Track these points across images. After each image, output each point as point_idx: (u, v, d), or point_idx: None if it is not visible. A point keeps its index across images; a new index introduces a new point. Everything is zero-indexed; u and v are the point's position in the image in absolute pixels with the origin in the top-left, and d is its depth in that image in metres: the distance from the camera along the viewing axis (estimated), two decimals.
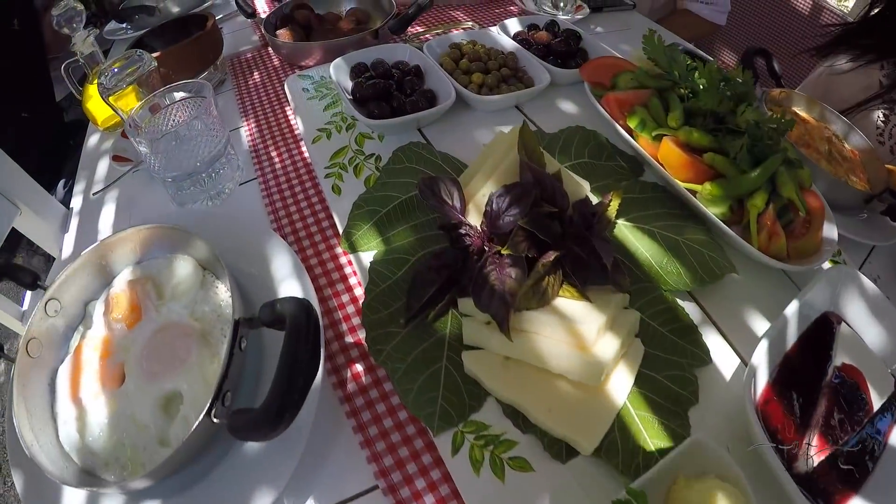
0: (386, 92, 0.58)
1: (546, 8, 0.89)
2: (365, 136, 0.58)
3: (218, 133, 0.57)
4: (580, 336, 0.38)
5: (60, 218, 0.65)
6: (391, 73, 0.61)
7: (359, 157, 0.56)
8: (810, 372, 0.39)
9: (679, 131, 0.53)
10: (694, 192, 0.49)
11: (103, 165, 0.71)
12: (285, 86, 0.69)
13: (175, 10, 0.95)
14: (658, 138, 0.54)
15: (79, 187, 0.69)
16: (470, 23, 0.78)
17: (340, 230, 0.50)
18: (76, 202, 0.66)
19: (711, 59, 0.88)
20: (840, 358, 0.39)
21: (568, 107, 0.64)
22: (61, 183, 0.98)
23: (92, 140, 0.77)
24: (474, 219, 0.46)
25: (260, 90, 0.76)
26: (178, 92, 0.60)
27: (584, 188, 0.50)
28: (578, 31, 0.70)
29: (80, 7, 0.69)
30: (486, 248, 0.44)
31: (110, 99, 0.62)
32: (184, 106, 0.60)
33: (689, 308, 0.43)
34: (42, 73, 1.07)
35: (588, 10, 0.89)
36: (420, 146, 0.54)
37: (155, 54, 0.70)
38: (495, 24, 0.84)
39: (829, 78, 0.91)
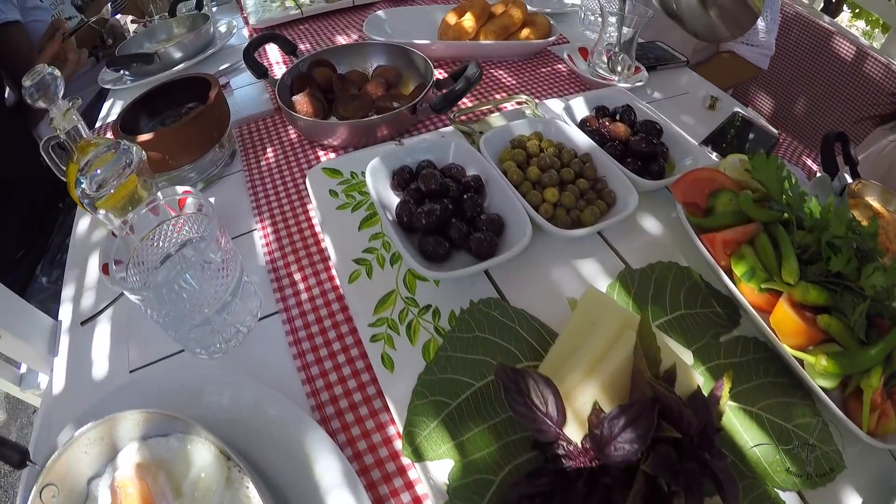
0: (444, 221, 0.47)
1: (600, 70, 0.78)
2: (416, 275, 0.47)
3: (229, 266, 0.46)
4: None
5: (48, 336, 0.54)
6: (446, 188, 0.50)
7: (411, 311, 0.45)
8: None
9: (795, 288, 0.44)
10: (801, 359, 0.43)
11: (94, 264, 0.59)
12: (307, 181, 0.57)
13: (177, 55, 0.81)
14: (766, 289, 0.46)
15: (67, 291, 0.58)
16: (524, 96, 0.66)
17: (395, 419, 0.40)
18: (65, 313, 0.55)
19: (775, 131, 0.80)
20: None
21: (653, 226, 0.54)
22: (45, 260, 0.84)
23: (82, 225, 0.64)
24: (572, 428, 0.36)
25: (275, 175, 0.64)
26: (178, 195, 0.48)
27: (688, 363, 0.42)
28: (659, 123, 0.60)
29: (57, 73, 0.56)
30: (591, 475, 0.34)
31: (97, 206, 0.51)
32: (186, 223, 0.48)
33: (790, 499, 0.38)
34: (24, 124, 0.92)
35: (647, 74, 0.79)
36: (491, 305, 0.44)
37: (147, 136, 0.58)
38: (550, 96, 0.73)
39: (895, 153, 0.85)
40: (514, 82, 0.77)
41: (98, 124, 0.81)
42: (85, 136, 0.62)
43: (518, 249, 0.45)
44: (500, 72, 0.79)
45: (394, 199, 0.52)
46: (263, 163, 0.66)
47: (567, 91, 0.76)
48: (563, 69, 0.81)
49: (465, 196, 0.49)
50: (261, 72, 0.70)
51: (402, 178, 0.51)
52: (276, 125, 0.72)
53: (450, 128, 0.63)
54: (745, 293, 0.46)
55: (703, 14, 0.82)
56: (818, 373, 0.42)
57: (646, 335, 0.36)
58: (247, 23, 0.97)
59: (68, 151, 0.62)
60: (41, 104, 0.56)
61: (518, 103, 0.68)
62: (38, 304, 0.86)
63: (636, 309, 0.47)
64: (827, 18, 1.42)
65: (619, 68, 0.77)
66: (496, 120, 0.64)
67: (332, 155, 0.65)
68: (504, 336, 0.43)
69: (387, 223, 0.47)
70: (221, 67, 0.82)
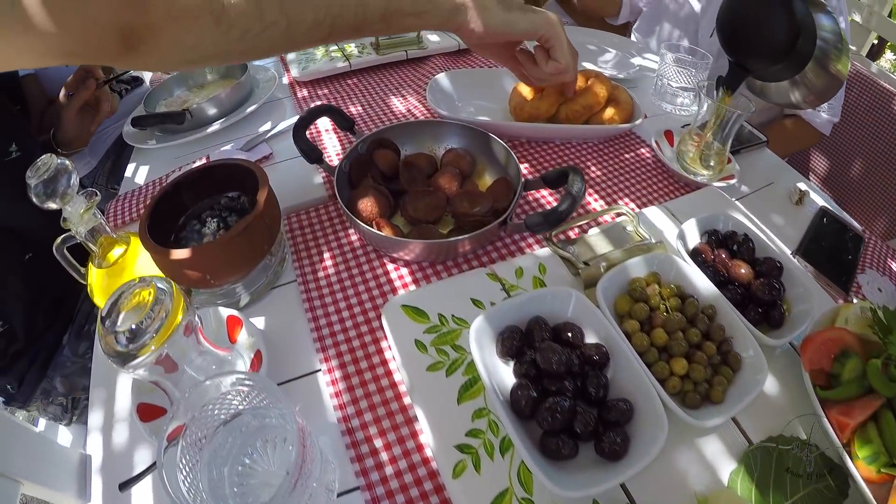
0: (571, 413, 0.40)
1: (688, 163, 0.70)
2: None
3: (308, 465, 0.38)
4: None
5: (76, 476, 0.46)
6: (571, 363, 0.42)
7: None
8: None
9: None
10: None
11: (124, 387, 0.51)
12: (383, 321, 0.49)
13: (211, 112, 0.70)
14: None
15: (95, 419, 0.49)
16: (624, 207, 0.58)
17: None
18: (94, 446, 0.47)
19: (860, 228, 0.75)
20: None
21: (771, 385, 0.48)
22: (72, 330, 0.74)
23: None
24: None
25: (337, 294, 0.55)
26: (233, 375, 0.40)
27: None
28: (780, 261, 0.53)
29: (68, 163, 0.46)
30: None
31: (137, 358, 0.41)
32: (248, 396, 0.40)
33: None
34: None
35: (738, 167, 0.72)
36: None
37: (183, 253, 0.48)
38: (645, 199, 0.66)
39: None
40: (598, 173, 0.69)
41: (122, 190, 0.71)
42: (107, 233, 0.53)
43: (654, 454, 0.38)
44: (583, 158, 0.71)
45: (498, 364, 0.45)
46: (321, 273, 0.57)
47: (656, 188, 0.69)
48: (647, 154, 0.73)
49: (590, 373, 0.42)
50: (315, 156, 0.60)
51: (513, 346, 0.43)
52: (332, 217, 0.63)
53: (546, 250, 0.55)
54: (860, 469, 0.43)
55: (790, 92, 0.75)
56: None
57: None
58: (286, 68, 0.86)
59: (88, 253, 0.53)
60: (51, 205, 0.46)
61: (618, 215, 0.60)
62: (63, 380, 0.77)
63: (759, 498, 0.42)
64: (875, 68, 1.37)
65: (712, 163, 0.69)
66: (597, 241, 0.56)
67: (405, 271, 0.57)
68: None
69: (497, 404, 0.40)
70: (262, 129, 0.71)
